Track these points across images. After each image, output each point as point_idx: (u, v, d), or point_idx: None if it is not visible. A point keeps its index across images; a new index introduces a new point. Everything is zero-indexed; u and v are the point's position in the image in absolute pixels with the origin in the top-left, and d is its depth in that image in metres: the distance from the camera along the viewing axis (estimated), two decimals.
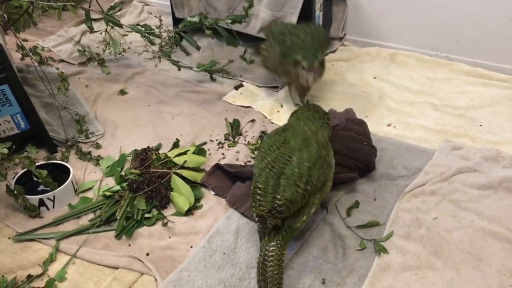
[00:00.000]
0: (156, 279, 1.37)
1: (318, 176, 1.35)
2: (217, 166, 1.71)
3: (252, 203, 1.35)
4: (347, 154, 1.64)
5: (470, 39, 2.33)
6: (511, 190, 1.60)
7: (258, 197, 1.32)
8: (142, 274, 1.39)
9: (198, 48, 2.14)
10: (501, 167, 1.71)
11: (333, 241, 1.47)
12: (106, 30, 2.12)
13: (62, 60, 2.52)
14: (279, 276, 1.25)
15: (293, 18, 2.24)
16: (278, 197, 1.29)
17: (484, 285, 1.30)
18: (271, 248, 1.28)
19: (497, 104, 2.07)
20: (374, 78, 2.34)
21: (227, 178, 1.68)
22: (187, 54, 2.23)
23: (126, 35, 2.64)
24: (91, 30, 2.08)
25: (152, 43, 2.11)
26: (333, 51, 2.58)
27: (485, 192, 1.62)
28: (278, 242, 1.29)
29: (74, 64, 2.49)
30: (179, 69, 2.23)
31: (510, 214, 1.52)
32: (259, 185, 1.33)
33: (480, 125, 1.96)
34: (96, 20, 2.36)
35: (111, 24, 2.01)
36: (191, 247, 1.47)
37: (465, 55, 2.38)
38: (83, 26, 2.79)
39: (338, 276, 1.35)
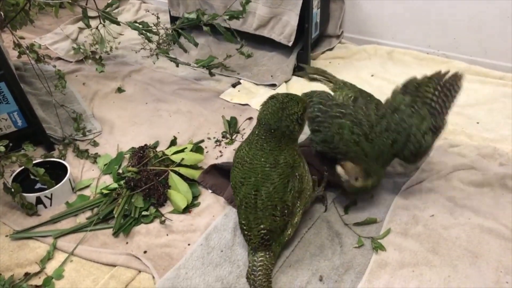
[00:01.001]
0: (153, 277, 1.37)
1: (292, 197, 1.33)
2: (213, 166, 1.71)
3: (244, 237, 1.38)
4: None
5: (466, 36, 2.34)
6: (508, 187, 1.61)
7: (246, 232, 1.35)
8: (140, 271, 1.40)
9: (196, 44, 2.14)
10: (497, 165, 1.72)
11: (331, 238, 1.47)
12: (97, 28, 2.11)
13: (59, 58, 2.52)
14: (267, 285, 1.27)
15: (293, 16, 2.24)
16: (262, 226, 1.32)
17: (481, 282, 1.31)
18: (260, 259, 1.31)
19: (494, 102, 2.08)
20: (372, 75, 2.34)
21: (224, 176, 1.68)
22: (185, 51, 2.22)
23: (117, 38, 2.63)
24: (89, 28, 2.07)
25: (150, 41, 2.10)
26: (331, 49, 2.59)
27: (482, 189, 1.62)
28: (267, 253, 1.32)
29: (71, 62, 2.49)
30: (177, 66, 2.22)
31: (507, 211, 1.53)
32: (243, 221, 1.36)
33: (477, 123, 1.96)
34: (93, 17, 2.35)
35: (104, 23, 2.01)
36: (189, 244, 1.47)
37: (461, 53, 2.38)
38: (80, 24, 2.78)
39: (335, 273, 1.35)
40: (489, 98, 2.10)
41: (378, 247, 1.41)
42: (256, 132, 1.35)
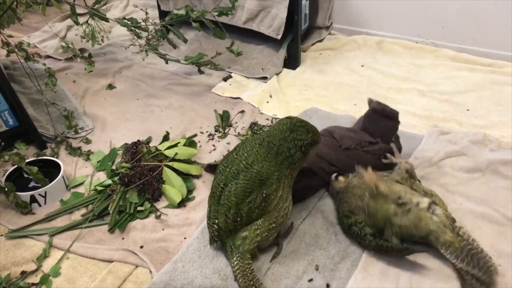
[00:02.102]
0: (150, 271, 1.38)
1: (248, 209, 1.30)
2: (212, 167, 1.70)
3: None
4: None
5: (455, 25, 2.35)
6: (499, 172, 1.63)
7: (207, 220, 1.40)
8: (137, 266, 1.40)
9: (185, 40, 2.14)
10: (488, 150, 1.74)
11: (325, 228, 1.48)
12: (87, 22, 2.10)
13: (48, 56, 2.50)
14: (252, 284, 1.27)
15: (282, 9, 2.24)
16: (216, 221, 1.35)
17: None
18: (235, 263, 1.31)
19: (483, 89, 2.10)
20: (362, 66, 2.35)
21: None
22: (174, 47, 2.22)
23: (105, 32, 2.61)
24: (77, 25, 2.06)
25: (139, 37, 2.10)
26: (320, 40, 2.59)
27: (473, 175, 1.64)
28: (238, 255, 1.32)
29: (61, 60, 2.47)
30: (166, 62, 2.22)
31: (498, 196, 1.55)
32: (208, 208, 1.40)
33: (467, 110, 1.98)
34: (81, 14, 2.34)
35: (92, 18, 2.00)
36: (185, 238, 1.48)
37: (450, 41, 2.40)
38: (68, 21, 2.77)
39: (331, 262, 1.37)
40: (478, 85, 2.13)
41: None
42: (260, 134, 1.38)
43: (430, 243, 1.30)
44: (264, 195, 1.30)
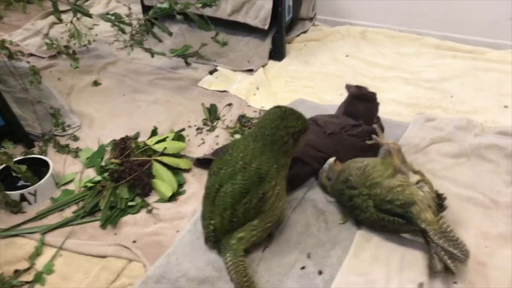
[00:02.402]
0: (144, 265, 1.38)
1: (244, 210, 1.31)
2: (201, 161, 1.71)
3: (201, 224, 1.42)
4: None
5: (437, 13, 2.38)
6: (483, 156, 1.66)
7: (202, 220, 1.40)
8: (130, 261, 1.41)
9: (170, 34, 2.14)
10: (472, 136, 1.77)
11: (316, 216, 1.50)
12: (71, 21, 2.08)
13: (31, 54, 2.47)
14: (245, 281, 1.27)
15: (267, 1, 2.24)
16: (212, 222, 1.35)
17: None
18: (228, 259, 1.32)
19: (466, 75, 2.13)
20: (346, 56, 2.37)
21: None
22: (159, 41, 2.22)
23: (92, 28, 2.60)
24: (60, 22, 2.04)
25: (123, 32, 2.09)
26: (305, 32, 2.61)
27: (459, 160, 1.68)
28: (231, 251, 1.32)
29: (44, 58, 2.45)
30: (152, 56, 2.21)
31: (483, 180, 1.58)
32: (202, 209, 1.40)
33: (451, 96, 2.02)
34: (64, 11, 2.31)
35: (78, 16, 1.98)
36: (177, 231, 1.48)
37: (433, 29, 2.43)
38: (51, 18, 2.73)
39: (322, 249, 1.39)
40: (461, 72, 2.16)
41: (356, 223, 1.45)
42: (251, 131, 1.38)
43: (410, 216, 1.30)
44: (260, 195, 1.30)
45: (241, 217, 1.32)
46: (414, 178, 1.38)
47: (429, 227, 1.28)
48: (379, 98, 1.78)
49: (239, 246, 1.33)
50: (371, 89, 1.73)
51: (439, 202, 1.36)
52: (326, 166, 1.55)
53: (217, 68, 2.31)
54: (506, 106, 1.93)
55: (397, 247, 1.37)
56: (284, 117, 1.35)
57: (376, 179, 1.37)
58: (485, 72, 2.15)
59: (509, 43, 2.29)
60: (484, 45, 2.32)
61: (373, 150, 1.58)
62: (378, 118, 1.72)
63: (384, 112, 1.92)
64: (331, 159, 1.54)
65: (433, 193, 1.36)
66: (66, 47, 2.12)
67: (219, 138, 1.85)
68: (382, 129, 1.67)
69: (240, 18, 2.36)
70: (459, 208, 1.48)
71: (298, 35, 2.58)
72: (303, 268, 1.34)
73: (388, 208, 1.34)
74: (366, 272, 1.31)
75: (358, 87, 1.70)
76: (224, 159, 1.36)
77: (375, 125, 1.56)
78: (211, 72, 2.28)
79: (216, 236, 1.35)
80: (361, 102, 1.70)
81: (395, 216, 1.33)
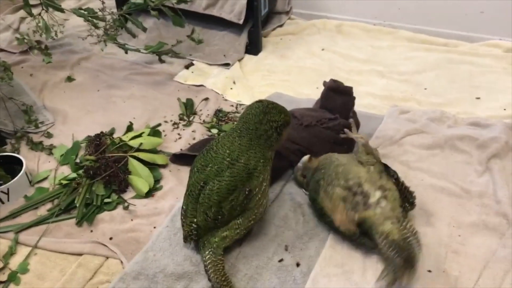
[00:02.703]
0: (122, 262, 1.37)
1: (230, 207, 1.30)
2: (178, 156, 1.70)
3: (181, 222, 1.39)
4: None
5: (410, 6, 2.41)
6: (456, 147, 1.70)
7: (182, 218, 1.37)
8: (107, 258, 1.39)
9: (144, 29, 2.11)
10: (446, 127, 1.80)
11: (293, 209, 1.51)
12: (39, 14, 2.04)
13: (1, 50, 2.42)
14: (222, 279, 1.26)
15: None
16: (195, 220, 1.32)
17: (436, 238, 1.38)
18: (207, 257, 1.30)
19: (439, 68, 2.17)
20: (322, 49, 2.38)
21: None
22: (133, 36, 2.19)
23: (63, 25, 2.55)
24: (31, 16, 2.00)
25: (96, 27, 2.06)
26: (281, 25, 2.61)
27: (433, 151, 1.70)
28: (211, 249, 1.30)
29: (15, 53, 2.40)
30: (126, 52, 2.19)
31: (456, 170, 1.61)
32: (183, 206, 1.37)
33: (425, 89, 2.05)
34: (35, 5, 2.26)
35: (46, 8, 1.94)
36: (155, 227, 1.48)
37: (407, 22, 2.46)
38: (21, 13, 2.67)
39: (300, 241, 1.40)
40: (434, 64, 2.19)
41: None
42: (234, 127, 1.36)
43: (370, 233, 1.30)
44: (247, 192, 1.30)
45: (226, 215, 1.31)
46: (376, 195, 1.32)
47: (386, 239, 1.26)
48: (355, 92, 1.80)
49: (220, 244, 1.32)
50: (348, 83, 1.75)
51: (410, 200, 1.39)
52: (300, 164, 1.55)
53: (193, 62, 2.30)
54: (478, 98, 1.97)
55: None
56: (266, 112, 1.34)
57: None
58: (458, 64, 2.19)
59: (481, 36, 2.33)
60: (457, 38, 2.36)
61: (348, 144, 1.59)
62: (355, 113, 1.73)
63: (359, 105, 1.94)
64: (305, 157, 1.54)
65: (395, 204, 1.33)
66: (38, 42, 2.07)
67: (195, 133, 1.85)
68: (358, 124, 1.69)
69: (215, 12, 2.35)
70: (433, 198, 1.51)
71: (274, 29, 2.58)
72: (281, 260, 1.35)
73: None
74: (343, 263, 1.33)
75: (334, 80, 1.72)
76: (209, 156, 1.34)
77: (351, 120, 1.57)
78: (187, 67, 2.27)
79: (198, 235, 1.33)
80: (338, 95, 1.72)
81: None
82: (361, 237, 1.33)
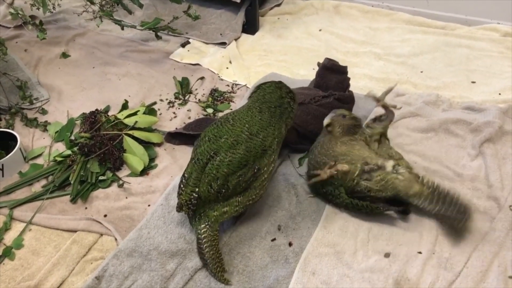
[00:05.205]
0: (116, 239, 1.38)
1: (236, 183, 1.29)
2: (173, 135, 1.71)
3: (178, 190, 1.35)
4: (319, 133, 1.57)
5: None
6: (450, 131, 1.71)
7: (182, 186, 1.33)
8: (102, 235, 1.41)
9: (140, 6, 2.09)
10: (440, 111, 1.81)
11: (287, 190, 1.52)
12: None
13: None
14: (216, 255, 1.28)
15: None
16: (197, 190, 1.29)
17: (427, 219, 1.40)
18: (203, 230, 1.29)
19: (436, 51, 2.16)
20: (320, 30, 2.37)
21: (192, 139, 1.65)
22: (130, 12, 2.17)
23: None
24: None
25: (92, 3, 2.04)
26: (278, 5, 2.58)
27: (427, 134, 1.71)
28: (208, 223, 1.30)
29: (10, 28, 2.37)
30: (122, 29, 2.17)
31: (449, 154, 1.62)
32: (185, 174, 1.33)
33: (421, 72, 2.04)
34: None
35: None
36: (149, 205, 1.49)
37: (405, 4, 2.44)
38: None
39: (292, 221, 1.41)
40: (431, 47, 2.19)
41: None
42: (250, 105, 1.37)
43: (402, 199, 1.37)
44: (255, 170, 1.30)
45: (231, 189, 1.29)
46: (389, 164, 1.39)
47: (421, 199, 1.35)
48: (352, 73, 1.80)
49: (219, 219, 1.31)
50: (344, 64, 1.75)
51: None
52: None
53: (189, 40, 2.28)
54: (473, 82, 1.97)
55: (365, 219, 1.41)
56: (280, 87, 1.39)
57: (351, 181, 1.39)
58: (455, 48, 2.18)
59: (479, 19, 2.32)
60: (455, 21, 2.35)
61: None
62: (351, 92, 1.74)
63: (356, 87, 1.94)
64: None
65: (409, 167, 1.42)
66: (32, 17, 2.05)
67: (191, 112, 1.84)
68: (353, 102, 1.71)
69: None
70: None
71: (271, 8, 2.56)
72: (273, 240, 1.37)
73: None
74: (335, 244, 1.35)
75: (329, 59, 1.73)
76: (225, 129, 1.32)
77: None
78: (183, 45, 2.25)
79: (196, 205, 1.30)
80: (332, 74, 1.73)
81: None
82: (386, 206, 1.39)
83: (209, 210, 1.31)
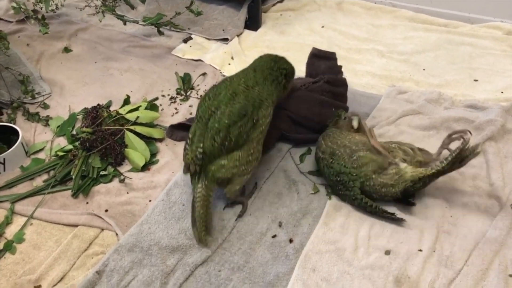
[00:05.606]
0: (117, 234, 1.39)
1: (238, 134, 1.34)
2: (174, 128, 1.71)
3: (183, 152, 1.41)
4: (313, 118, 1.62)
5: None
6: (452, 129, 1.70)
7: (187, 146, 1.39)
8: (103, 230, 1.41)
9: (143, 1, 2.09)
10: (442, 109, 1.80)
11: (288, 186, 1.52)
12: None
13: None
14: (205, 215, 1.33)
15: None
16: (201, 145, 1.34)
17: (428, 217, 1.40)
18: (198, 190, 1.35)
19: (439, 48, 2.15)
20: (322, 27, 2.36)
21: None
22: (132, 7, 2.17)
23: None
24: None
25: None
26: (281, 1, 2.58)
27: (429, 132, 1.71)
28: (203, 184, 1.35)
29: (12, 22, 2.37)
30: (124, 24, 2.17)
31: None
32: (190, 135, 1.39)
33: (424, 69, 2.04)
34: None
35: None
36: (150, 201, 1.49)
37: (408, 2, 2.43)
38: None
39: (293, 218, 1.41)
40: (434, 45, 2.18)
41: (331, 193, 1.48)
42: (246, 68, 1.49)
43: (409, 192, 1.38)
44: (255, 120, 1.36)
45: (233, 141, 1.34)
46: (398, 155, 1.42)
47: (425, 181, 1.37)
48: (354, 70, 1.80)
49: (216, 173, 1.34)
50: (347, 61, 1.75)
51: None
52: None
53: (192, 36, 2.28)
54: (476, 80, 1.96)
55: (366, 217, 1.41)
56: (276, 61, 1.50)
57: (368, 175, 1.40)
58: (458, 45, 2.17)
59: (482, 17, 2.31)
60: (458, 19, 2.34)
61: (335, 106, 1.64)
62: (343, 77, 1.76)
63: (358, 84, 1.94)
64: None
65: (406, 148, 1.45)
66: (35, 11, 2.04)
67: (192, 108, 1.84)
68: (346, 86, 1.73)
69: None
70: None
71: (274, 4, 2.55)
72: (274, 236, 1.37)
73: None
74: (336, 241, 1.35)
75: (317, 48, 1.82)
76: (223, 85, 1.42)
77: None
78: (185, 41, 2.25)
79: (202, 160, 1.33)
80: (321, 60, 1.79)
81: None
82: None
83: (209, 165, 1.35)
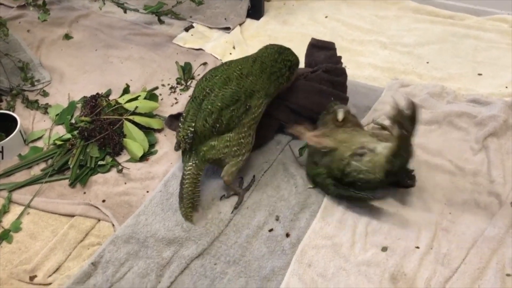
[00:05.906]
0: (113, 225, 1.39)
1: (229, 117, 1.37)
2: (174, 117, 1.70)
3: (176, 129, 1.46)
4: (311, 108, 1.60)
5: None
6: (454, 124, 1.68)
7: (180, 124, 1.43)
8: (99, 220, 1.41)
9: None
10: (445, 103, 1.78)
11: (286, 180, 1.51)
12: None
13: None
14: (193, 192, 1.36)
15: None
16: (193, 124, 1.38)
17: (426, 214, 1.39)
18: (188, 168, 1.38)
19: (443, 41, 2.12)
20: (326, 17, 2.33)
21: None
22: None
23: None
24: None
25: None
26: None
27: (430, 127, 1.69)
28: (194, 162, 1.38)
29: (13, 8, 2.35)
30: (125, 11, 2.14)
31: (452, 147, 1.61)
32: (184, 113, 1.44)
33: (427, 62, 2.01)
34: None
35: None
36: (148, 192, 1.48)
37: None
38: None
39: (291, 212, 1.41)
40: (439, 37, 2.15)
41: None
42: (249, 55, 1.50)
43: (397, 175, 1.38)
44: (247, 106, 1.39)
45: (224, 124, 1.37)
46: (381, 146, 1.39)
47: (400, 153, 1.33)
48: (357, 62, 1.78)
49: (206, 154, 1.38)
50: (350, 53, 1.73)
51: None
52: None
53: (193, 25, 2.25)
54: (480, 74, 1.94)
55: (364, 212, 1.40)
56: (281, 52, 1.51)
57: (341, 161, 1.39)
58: (463, 38, 2.14)
59: (489, 9, 2.28)
60: (464, 11, 2.30)
61: (334, 95, 1.63)
62: (342, 67, 1.73)
63: (360, 76, 1.92)
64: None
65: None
66: None
67: None
68: (345, 76, 1.71)
69: None
70: (426, 175, 1.51)
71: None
72: (271, 230, 1.36)
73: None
74: (332, 236, 1.34)
75: (315, 38, 1.80)
76: (221, 69, 1.46)
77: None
78: (186, 29, 2.22)
79: (192, 139, 1.37)
80: (320, 50, 1.77)
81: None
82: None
83: (200, 146, 1.39)
